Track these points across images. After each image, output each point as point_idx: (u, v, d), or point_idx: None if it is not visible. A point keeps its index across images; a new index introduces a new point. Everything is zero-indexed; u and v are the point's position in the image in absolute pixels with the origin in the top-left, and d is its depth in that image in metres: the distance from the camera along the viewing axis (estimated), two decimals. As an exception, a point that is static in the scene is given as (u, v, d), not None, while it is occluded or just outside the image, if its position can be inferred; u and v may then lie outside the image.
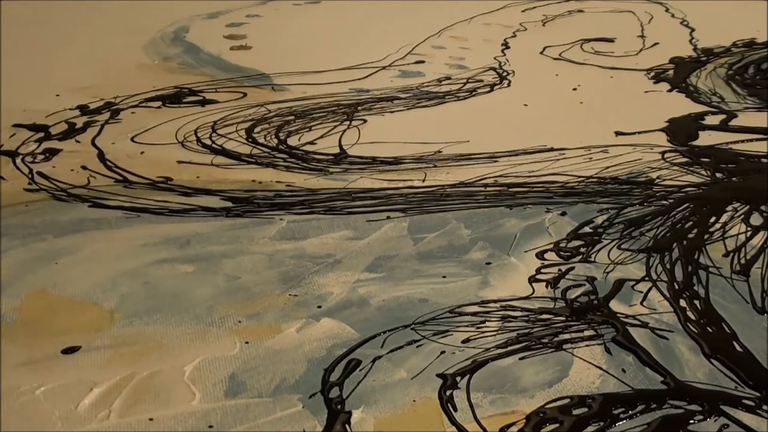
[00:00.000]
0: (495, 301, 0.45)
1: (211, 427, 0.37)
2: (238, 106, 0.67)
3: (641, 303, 0.44)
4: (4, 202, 0.53)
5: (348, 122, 0.64)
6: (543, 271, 0.47)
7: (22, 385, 0.39)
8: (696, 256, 0.48)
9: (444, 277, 0.47)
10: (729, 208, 0.53)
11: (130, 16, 0.84)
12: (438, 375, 0.39)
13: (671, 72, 0.74)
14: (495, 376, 0.40)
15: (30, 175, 0.56)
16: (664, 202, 0.54)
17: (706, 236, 0.50)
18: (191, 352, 0.41)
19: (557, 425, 0.37)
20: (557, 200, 0.54)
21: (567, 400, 0.38)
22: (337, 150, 0.60)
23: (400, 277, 0.47)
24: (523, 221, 0.51)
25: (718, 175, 0.57)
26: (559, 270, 0.47)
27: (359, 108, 0.66)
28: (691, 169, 0.58)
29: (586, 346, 0.41)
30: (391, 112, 0.66)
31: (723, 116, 0.65)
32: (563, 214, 0.52)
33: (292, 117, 0.65)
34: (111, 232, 0.50)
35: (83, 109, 0.65)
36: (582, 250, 0.49)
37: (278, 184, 0.55)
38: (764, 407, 0.38)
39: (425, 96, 0.69)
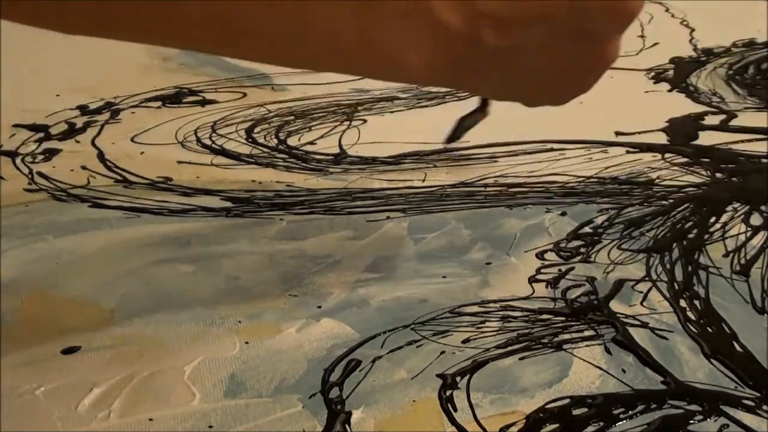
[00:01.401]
0: (495, 301, 0.45)
1: (211, 427, 0.37)
2: (238, 106, 0.67)
3: (641, 303, 0.44)
4: (4, 202, 0.53)
5: (348, 122, 0.64)
6: (543, 271, 0.47)
7: (22, 385, 0.39)
8: (696, 256, 0.48)
9: (444, 277, 0.47)
10: (729, 208, 0.53)
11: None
12: (438, 375, 0.39)
13: (671, 72, 0.74)
14: (495, 376, 0.40)
15: (30, 175, 0.56)
16: (664, 202, 0.54)
17: (706, 236, 0.50)
18: (191, 352, 0.41)
19: (557, 425, 0.37)
20: (557, 200, 0.54)
21: (567, 400, 0.38)
22: (337, 150, 0.60)
23: (400, 277, 0.47)
24: (523, 221, 0.51)
25: (718, 175, 0.57)
26: (559, 270, 0.47)
27: (359, 108, 0.66)
28: (691, 169, 0.58)
29: (586, 346, 0.41)
30: (391, 112, 0.66)
31: (723, 116, 0.65)
32: (563, 214, 0.52)
33: (292, 117, 0.65)
34: (111, 232, 0.50)
35: (83, 109, 0.65)
36: (582, 250, 0.49)
37: (278, 184, 0.55)
38: (764, 407, 0.38)
39: (425, 96, 0.69)
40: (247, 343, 0.41)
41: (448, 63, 0.37)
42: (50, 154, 0.59)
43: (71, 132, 0.62)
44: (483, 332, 0.42)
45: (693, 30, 0.83)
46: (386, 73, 0.42)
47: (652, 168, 0.58)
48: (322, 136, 0.62)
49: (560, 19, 0.37)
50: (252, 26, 0.35)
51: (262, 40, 0.36)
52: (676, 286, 0.46)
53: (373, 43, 0.36)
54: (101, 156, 0.59)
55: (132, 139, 0.61)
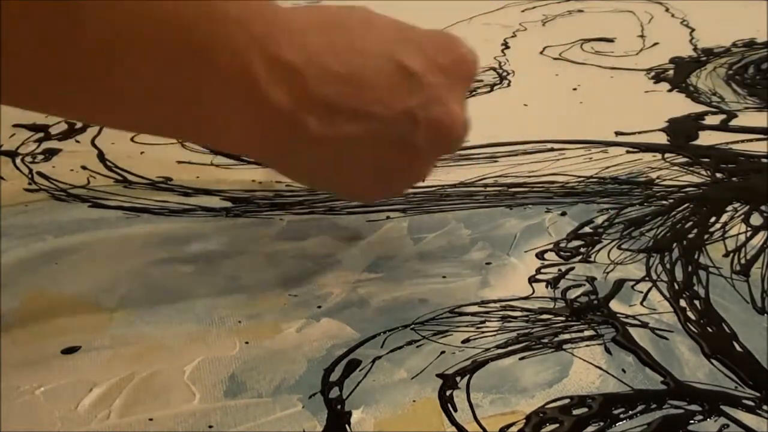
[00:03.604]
0: (495, 301, 0.45)
1: (211, 427, 0.37)
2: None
3: (641, 303, 0.44)
4: (4, 202, 0.53)
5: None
6: (543, 271, 0.47)
7: (22, 385, 0.39)
8: (696, 256, 0.48)
9: (444, 277, 0.47)
10: (729, 208, 0.53)
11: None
12: (438, 375, 0.39)
13: (671, 72, 0.74)
14: (495, 376, 0.40)
15: (30, 175, 0.56)
16: (664, 202, 0.54)
17: (706, 236, 0.50)
18: (191, 352, 0.41)
19: (557, 425, 0.37)
20: (557, 200, 0.54)
21: (567, 400, 0.38)
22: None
23: (400, 277, 0.47)
24: (523, 221, 0.51)
25: (718, 175, 0.57)
26: (559, 270, 0.47)
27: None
28: (691, 169, 0.58)
29: (586, 346, 0.41)
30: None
31: (723, 116, 0.65)
32: (563, 214, 0.52)
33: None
34: (111, 232, 0.50)
35: (83, 109, 0.65)
36: (582, 250, 0.49)
37: (278, 184, 0.55)
38: (764, 407, 0.38)
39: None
40: (247, 343, 0.41)
41: (268, 140, 0.37)
42: (50, 154, 0.59)
43: (71, 132, 0.62)
44: (483, 332, 0.42)
45: (693, 30, 0.83)
46: (206, 139, 0.42)
47: (652, 168, 0.58)
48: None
49: (386, 120, 0.37)
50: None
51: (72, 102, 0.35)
52: (676, 286, 0.46)
53: (198, 108, 0.35)
54: (101, 156, 0.59)
55: (132, 139, 0.61)
